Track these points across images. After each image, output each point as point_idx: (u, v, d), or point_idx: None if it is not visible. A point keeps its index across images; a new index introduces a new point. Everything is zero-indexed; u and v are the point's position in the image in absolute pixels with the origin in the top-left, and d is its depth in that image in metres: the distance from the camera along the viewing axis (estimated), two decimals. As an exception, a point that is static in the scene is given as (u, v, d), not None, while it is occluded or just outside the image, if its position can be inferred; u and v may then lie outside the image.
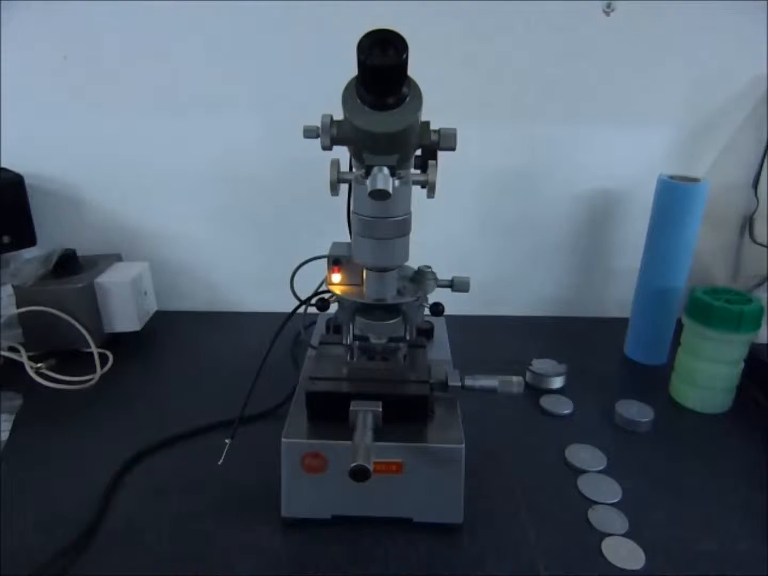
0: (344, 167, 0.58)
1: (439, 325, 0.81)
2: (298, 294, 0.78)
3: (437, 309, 0.70)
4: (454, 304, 0.72)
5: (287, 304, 0.72)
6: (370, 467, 0.49)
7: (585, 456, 0.70)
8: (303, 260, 0.77)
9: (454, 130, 0.55)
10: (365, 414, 0.55)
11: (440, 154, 0.57)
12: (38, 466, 0.68)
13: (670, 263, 0.85)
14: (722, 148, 0.95)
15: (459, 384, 0.61)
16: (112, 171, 0.96)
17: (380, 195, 0.50)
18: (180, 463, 0.68)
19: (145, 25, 0.87)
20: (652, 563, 0.56)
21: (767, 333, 0.80)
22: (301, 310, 0.72)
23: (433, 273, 0.66)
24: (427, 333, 0.79)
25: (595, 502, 0.63)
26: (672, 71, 0.91)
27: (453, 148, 0.56)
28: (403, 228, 0.58)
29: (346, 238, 0.68)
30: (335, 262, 0.66)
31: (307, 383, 0.62)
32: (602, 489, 0.65)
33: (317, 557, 0.56)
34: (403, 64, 0.46)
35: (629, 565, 0.55)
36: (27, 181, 0.93)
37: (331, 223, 0.73)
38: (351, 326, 0.65)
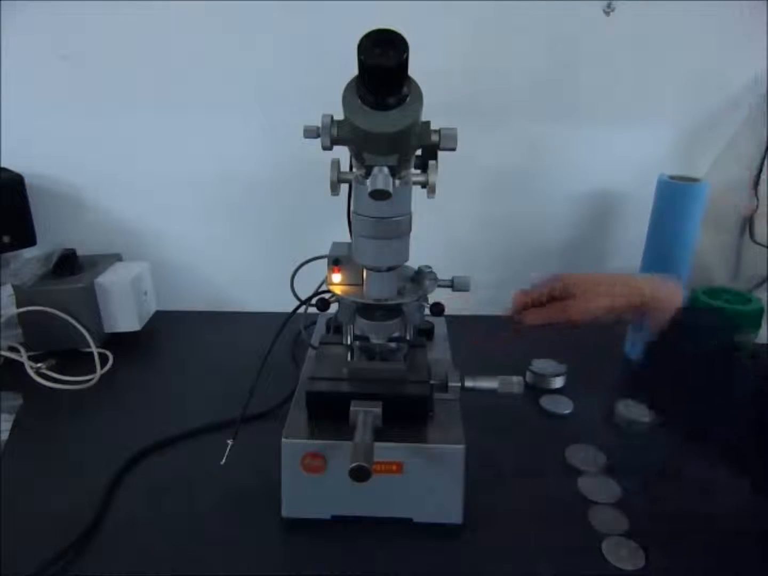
0: (344, 167, 0.58)
1: (439, 325, 0.81)
2: (299, 294, 0.77)
3: (437, 309, 0.70)
4: (454, 304, 0.72)
5: (287, 304, 0.72)
6: (370, 467, 0.49)
7: (585, 456, 0.69)
8: (303, 260, 0.77)
9: (455, 130, 0.55)
10: (365, 414, 0.55)
11: (440, 154, 0.57)
12: (38, 466, 0.68)
13: (670, 263, 0.84)
14: (722, 148, 0.94)
15: (459, 384, 0.61)
16: (112, 171, 0.96)
17: (380, 195, 0.50)
18: (180, 463, 0.68)
19: (146, 25, 0.87)
20: (653, 563, 0.56)
21: (767, 333, 0.80)
22: (302, 310, 0.72)
23: (433, 273, 0.66)
24: (427, 333, 0.79)
25: (595, 502, 0.63)
26: (672, 71, 0.91)
27: (453, 149, 0.56)
28: (403, 228, 0.58)
29: (346, 238, 0.68)
30: (335, 262, 0.66)
31: (307, 383, 0.62)
32: (602, 489, 0.65)
33: (317, 557, 0.56)
34: (404, 64, 0.46)
35: (629, 565, 0.55)
36: (27, 181, 0.93)
37: (331, 223, 0.73)
38: (351, 326, 0.65)
